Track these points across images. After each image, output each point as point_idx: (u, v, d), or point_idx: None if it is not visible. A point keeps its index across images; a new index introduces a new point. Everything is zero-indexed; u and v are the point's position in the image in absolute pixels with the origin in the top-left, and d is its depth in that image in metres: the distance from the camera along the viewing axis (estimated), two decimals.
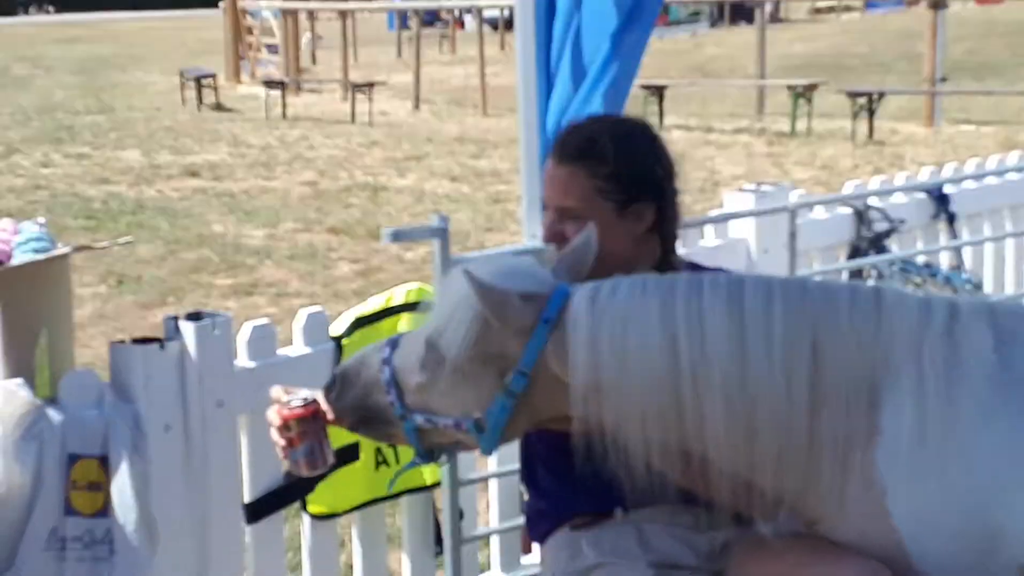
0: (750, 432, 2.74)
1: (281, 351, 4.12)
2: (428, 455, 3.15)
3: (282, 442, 3.25)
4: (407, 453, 4.40)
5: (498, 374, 2.89)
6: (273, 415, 3.26)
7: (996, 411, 2.71)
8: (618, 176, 3.34)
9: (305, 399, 3.27)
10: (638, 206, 3.35)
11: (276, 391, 3.31)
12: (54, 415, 3.49)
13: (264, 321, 4.13)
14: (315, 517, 4.30)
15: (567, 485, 3.41)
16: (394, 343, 3.07)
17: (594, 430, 2.86)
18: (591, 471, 3.32)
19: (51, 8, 68.98)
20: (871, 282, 6.20)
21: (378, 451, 4.36)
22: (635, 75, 4.60)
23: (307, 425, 3.24)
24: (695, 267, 3.55)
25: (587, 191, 3.34)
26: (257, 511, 4.12)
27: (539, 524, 3.56)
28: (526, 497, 5.02)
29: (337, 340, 4.24)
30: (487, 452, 3.02)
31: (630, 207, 3.33)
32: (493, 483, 4.82)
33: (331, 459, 3.34)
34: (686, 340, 2.73)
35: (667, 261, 3.41)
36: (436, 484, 4.45)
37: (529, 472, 3.64)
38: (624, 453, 2.84)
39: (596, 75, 4.39)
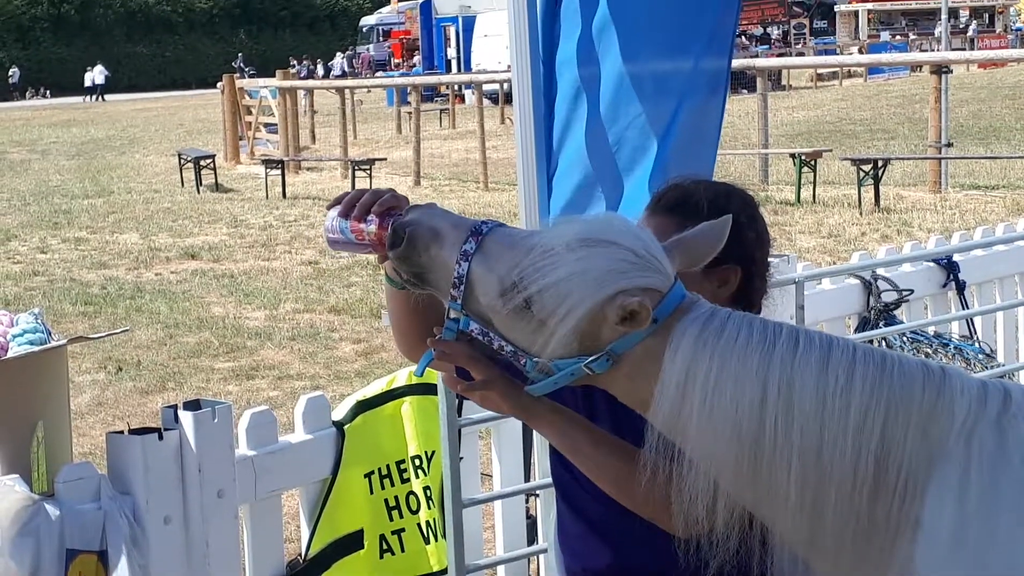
0: (817, 508, 2.65)
1: (282, 438, 4.05)
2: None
3: (352, 211, 2.99)
4: (413, 541, 4.36)
5: (582, 344, 2.74)
6: (372, 201, 3.01)
7: None
8: None
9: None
10: (725, 268, 3.26)
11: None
12: (52, 510, 3.43)
13: (263, 408, 4.06)
14: None
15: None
16: (479, 238, 2.82)
17: (666, 454, 2.75)
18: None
19: (48, 92, 69.67)
20: None
21: (383, 539, 4.29)
22: (715, 144, 4.69)
23: (372, 237, 2.95)
24: None
25: None
26: None
27: None
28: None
29: (339, 425, 4.19)
30: (536, 393, 2.87)
31: (717, 268, 3.23)
32: (501, 569, 4.74)
33: (342, 249, 3.06)
34: (774, 404, 2.65)
35: None
36: (443, 571, 4.37)
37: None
38: (690, 489, 2.74)
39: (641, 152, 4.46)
